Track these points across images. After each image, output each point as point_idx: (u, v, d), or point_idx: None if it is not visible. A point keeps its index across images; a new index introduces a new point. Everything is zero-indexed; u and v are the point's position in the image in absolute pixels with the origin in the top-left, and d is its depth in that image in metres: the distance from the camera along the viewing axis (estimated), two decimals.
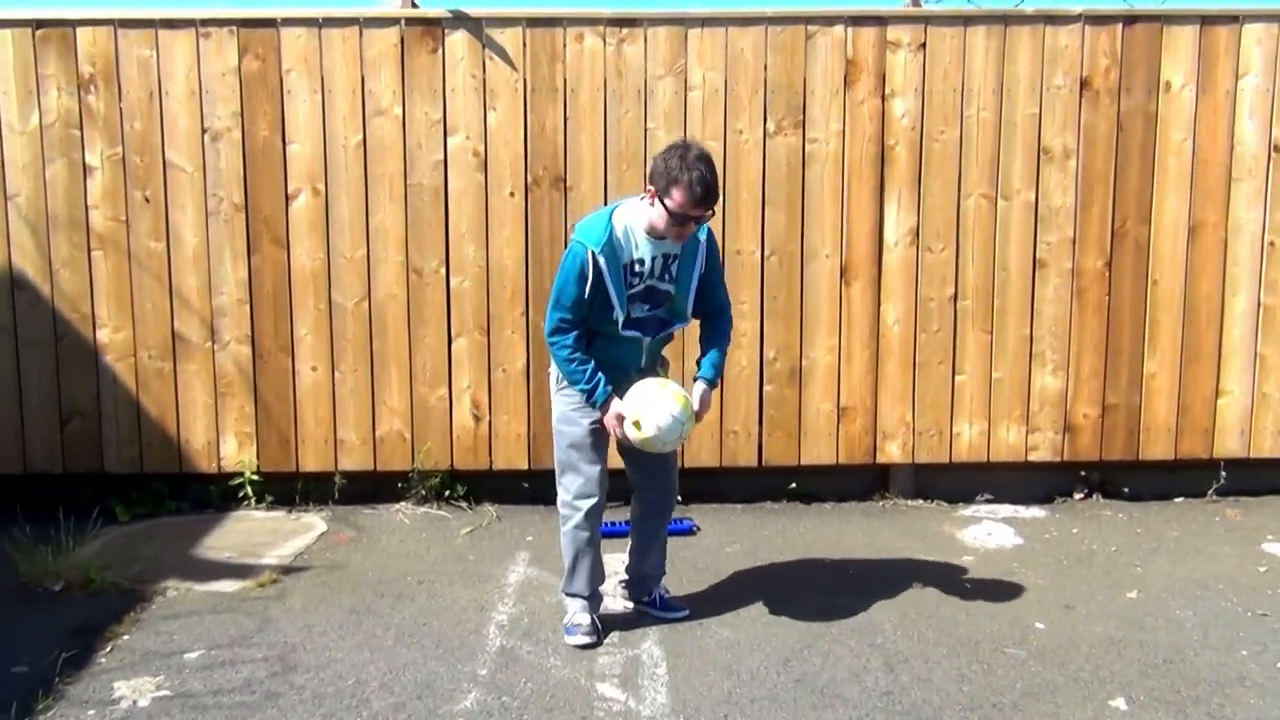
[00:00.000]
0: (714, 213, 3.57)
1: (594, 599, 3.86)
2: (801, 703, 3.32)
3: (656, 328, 3.73)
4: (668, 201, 3.46)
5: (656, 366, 3.82)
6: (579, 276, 3.53)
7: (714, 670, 3.54)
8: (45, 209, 5.01)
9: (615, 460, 3.85)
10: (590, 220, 3.66)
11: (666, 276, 3.64)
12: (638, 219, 3.59)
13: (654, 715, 3.26)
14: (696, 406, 3.65)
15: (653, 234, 3.57)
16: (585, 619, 3.78)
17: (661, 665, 3.58)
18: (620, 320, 3.62)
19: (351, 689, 3.43)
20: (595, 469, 3.73)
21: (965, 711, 3.27)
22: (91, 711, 3.31)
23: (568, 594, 3.84)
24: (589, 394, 3.60)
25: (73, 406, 5.15)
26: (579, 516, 3.74)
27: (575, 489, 3.74)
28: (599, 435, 3.71)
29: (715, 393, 4.93)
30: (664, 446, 3.61)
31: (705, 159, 3.48)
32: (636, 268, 3.60)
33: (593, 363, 3.60)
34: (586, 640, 3.72)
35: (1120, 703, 3.32)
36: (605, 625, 3.86)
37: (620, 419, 3.57)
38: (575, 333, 3.60)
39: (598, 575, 3.85)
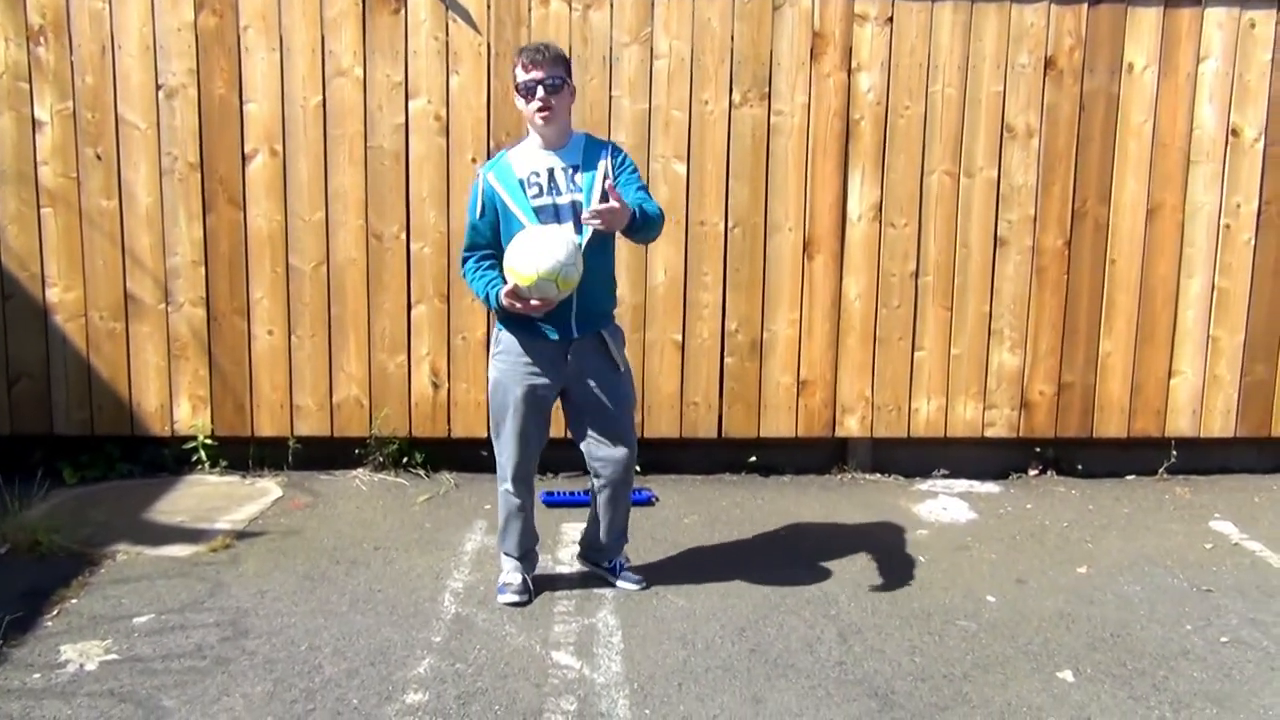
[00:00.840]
0: (564, 78, 3.60)
1: (526, 559, 3.90)
2: (755, 672, 3.34)
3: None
4: (516, 81, 3.59)
5: (601, 307, 3.75)
6: (474, 200, 3.68)
7: (669, 640, 3.55)
8: None
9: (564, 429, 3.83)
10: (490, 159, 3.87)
11: (572, 187, 3.64)
12: (529, 139, 3.72)
13: (608, 683, 3.27)
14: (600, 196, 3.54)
15: (545, 143, 3.65)
16: (516, 578, 3.84)
17: (617, 634, 3.58)
18: None
19: (304, 654, 3.41)
20: (525, 437, 3.73)
21: (916, 682, 3.31)
22: (37, 675, 3.25)
23: (502, 550, 3.92)
24: (487, 299, 3.64)
25: (21, 367, 5.04)
26: (508, 483, 3.80)
27: (504, 456, 3.78)
28: (533, 402, 3.70)
29: (676, 361, 4.94)
30: (560, 279, 3.41)
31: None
32: (533, 179, 3.63)
33: (493, 273, 3.63)
34: (516, 599, 3.78)
35: (1068, 675, 3.37)
36: (560, 593, 3.86)
37: (512, 293, 3.49)
38: (478, 254, 3.70)
39: (529, 538, 3.89)
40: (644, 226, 3.65)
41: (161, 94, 4.88)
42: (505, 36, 4.91)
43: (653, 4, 4.94)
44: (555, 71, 3.57)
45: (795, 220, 5.12)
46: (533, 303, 3.49)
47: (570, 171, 3.64)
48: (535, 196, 3.62)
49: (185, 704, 3.10)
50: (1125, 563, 4.30)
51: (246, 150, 4.94)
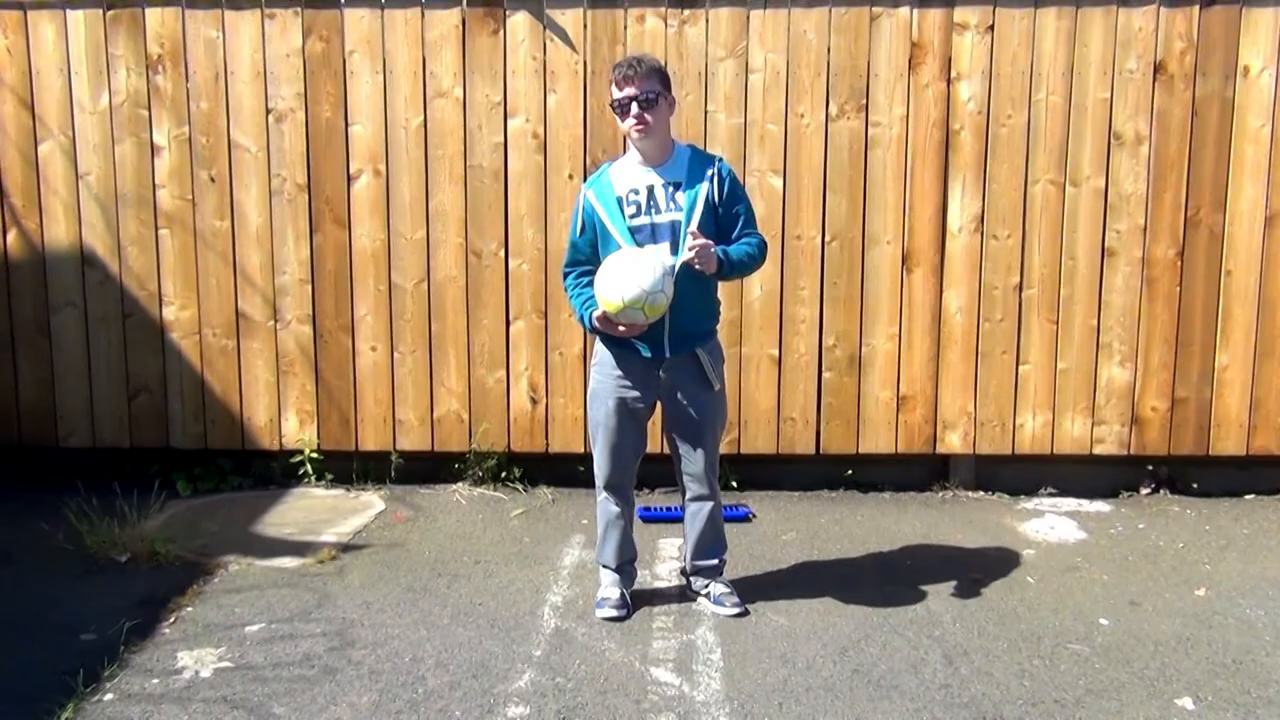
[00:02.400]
0: (659, 91, 3.55)
1: (623, 572, 3.90)
2: (858, 693, 3.28)
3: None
4: (611, 99, 3.59)
5: (700, 335, 3.71)
6: (575, 217, 3.71)
7: (769, 658, 3.51)
8: (115, 187, 5.10)
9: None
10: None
11: (672, 206, 3.60)
12: (627, 154, 3.71)
13: (708, 701, 3.24)
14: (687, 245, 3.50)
15: (646, 160, 3.63)
16: (614, 593, 3.84)
17: (716, 651, 3.56)
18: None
19: (408, 666, 3.46)
20: (618, 446, 3.74)
21: (1027, 707, 3.21)
22: (155, 680, 3.37)
23: (600, 563, 3.93)
24: (581, 318, 3.68)
25: (140, 382, 5.24)
26: (604, 493, 3.84)
27: (600, 465, 3.81)
28: (625, 413, 3.71)
29: (773, 377, 4.92)
30: (648, 307, 3.41)
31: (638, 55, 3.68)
32: (631, 196, 3.61)
33: (589, 291, 3.62)
34: (614, 614, 3.78)
35: (1187, 702, 3.24)
36: (658, 609, 3.86)
37: (603, 318, 3.53)
38: (577, 270, 3.73)
39: (626, 550, 3.89)
40: (736, 271, 3.65)
41: (271, 118, 5.04)
42: (601, 54, 4.95)
43: (748, 18, 4.93)
44: (649, 86, 3.54)
45: (894, 233, 5.05)
46: (620, 328, 3.53)
47: (671, 189, 3.61)
48: (633, 216, 3.60)
49: (295, 712, 3.17)
50: (1246, 586, 4.12)
51: (351, 171, 5.07)
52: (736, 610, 3.81)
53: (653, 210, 3.60)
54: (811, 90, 4.96)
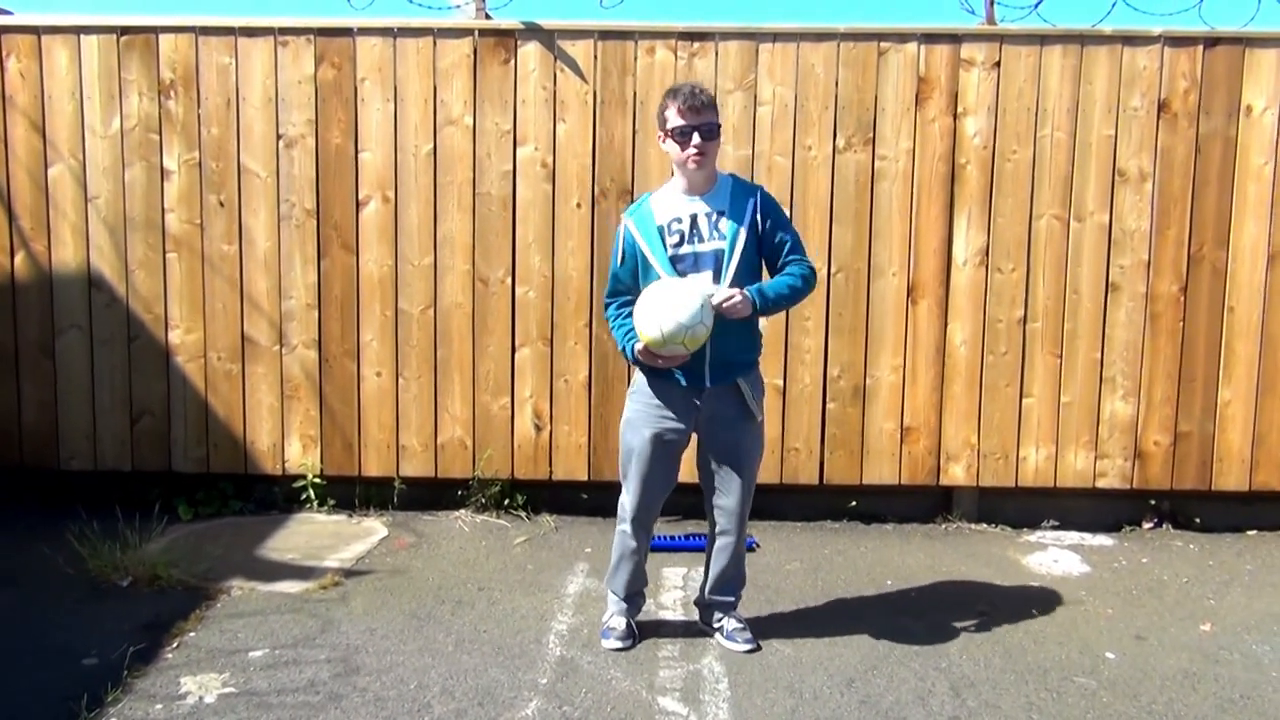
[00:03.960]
0: (719, 123, 3.56)
1: (631, 602, 3.88)
2: None
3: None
4: (668, 125, 3.54)
5: (742, 367, 3.68)
6: (616, 246, 3.70)
7: (776, 688, 3.50)
8: (123, 211, 5.12)
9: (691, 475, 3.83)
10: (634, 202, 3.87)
11: (715, 234, 3.57)
12: (673, 183, 3.68)
13: None
14: (716, 300, 3.47)
15: (690, 189, 3.60)
16: (620, 623, 3.82)
17: (723, 681, 3.54)
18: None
19: (413, 693, 3.44)
20: (650, 480, 3.70)
21: None
22: (159, 706, 3.34)
23: (609, 589, 3.91)
24: (623, 350, 3.67)
25: (143, 406, 5.24)
26: (627, 523, 3.80)
27: (628, 495, 3.77)
28: (660, 446, 3.67)
29: (777, 406, 4.93)
30: (687, 339, 3.41)
31: (690, 83, 3.64)
32: (674, 225, 3.58)
33: (630, 322, 3.61)
34: (618, 645, 3.76)
35: None
36: (665, 638, 3.84)
37: (645, 351, 3.54)
38: (619, 300, 3.72)
39: (637, 580, 3.87)
40: (777, 306, 3.63)
41: (282, 144, 5.07)
42: (611, 85, 5.00)
43: (757, 51, 4.98)
44: (713, 117, 3.53)
45: (899, 265, 5.08)
46: (659, 361, 3.54)
47: (715, 217, 3.58)
48: (675, 245, 3.57)
49: None
50: (1252, 621, 4.12)
51: (360, 197, 5.10)
52: (749, 647, 3.78)
53: (695, 239, 3.58)
54: (819, 123, 5.01)
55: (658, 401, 3.66)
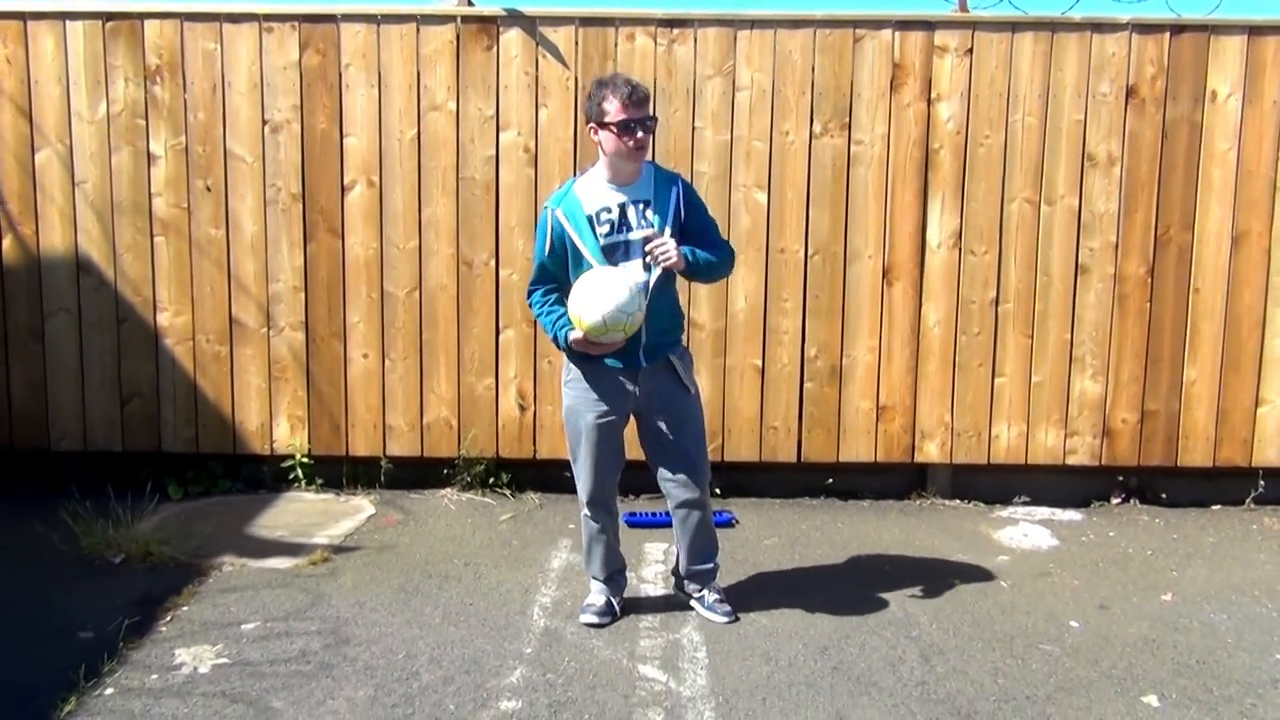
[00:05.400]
0: (656, 119, 3.64)
1: (612, 582, 3.96)
2: (838, 689, 3.40)
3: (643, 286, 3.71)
4: (607, 119, 3.55)
5: (669, 342, 3.78)
6: (541, 236, 3.70)
7: (752, 656, 3.63)
8: (111, 195, 5.18)
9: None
10: (555, 191, 3.84)
11: (643, 223, 3.65)
12: (597, 172, 3.71)
13: (694, 696, 3.36)
14: (651, 246, 3.59)
15: (616, 179, 3.64)
16: (599, 600, 3.91)
17: (701, 650, 3.67)
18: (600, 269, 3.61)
19: (402, 662, 3.56)
20: (598, 464, 3.79)
21: (999, 703, 3.34)
22: (154, 676, 3.45)
23: (589, 574, 4.00)
24: (555, 340, 3.71)
25: (133, 387, 5.32)
26: (586, 509, 3.89)
27: (583, 482, 3.85)
28: (604, 430, 3.75)
29: (756, 386, 5.04)
30: (624, 326, 3.52)
31: (621, 75, 3.67)
32: (603, 216, 3.63)
33: (560, 309, 3.67)
34: (595, 620, 3.85)
35: (1153, 699, 3.38)
36: (645, 610, 3.97)
37: (581, 340, 3.60)
38: (544, 289, 3.75)
39: (612, 561, 3.96)
40: (703, 271, 3.75)
41: (267, 129, 5.14)
42: (592, 71, 5.08)
43: (735, 37, 5.08)
44: (650, 110, 3.64)
45: (875, 248, 5.20)
46: (593, 349, 3.62)
47: (641, 207, 3.67)
48: (606, 235, 3.64)
49: (293, 705, 3.27)
50: (1211, 591, 4.27)
51: (346, 181, 5.17)
52: (728, 619, 3.89)
53: (625, 229, 3.66)
54: (796, 108, 5.11)
55: (592, 388, 3.73)
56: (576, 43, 5.10)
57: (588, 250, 3.63)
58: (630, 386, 3.74)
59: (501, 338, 5.27)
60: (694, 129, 5.13)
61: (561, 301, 3.70)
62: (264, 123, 5.14)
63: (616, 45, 5.09)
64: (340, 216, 5.20)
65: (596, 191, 3.68)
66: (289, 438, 5.34)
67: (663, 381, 3.77)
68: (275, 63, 5.11)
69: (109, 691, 3.34)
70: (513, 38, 5.09)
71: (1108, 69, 5.10)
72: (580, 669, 3.52)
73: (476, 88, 5.12)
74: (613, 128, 3.56)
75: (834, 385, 5.28)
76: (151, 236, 5.22)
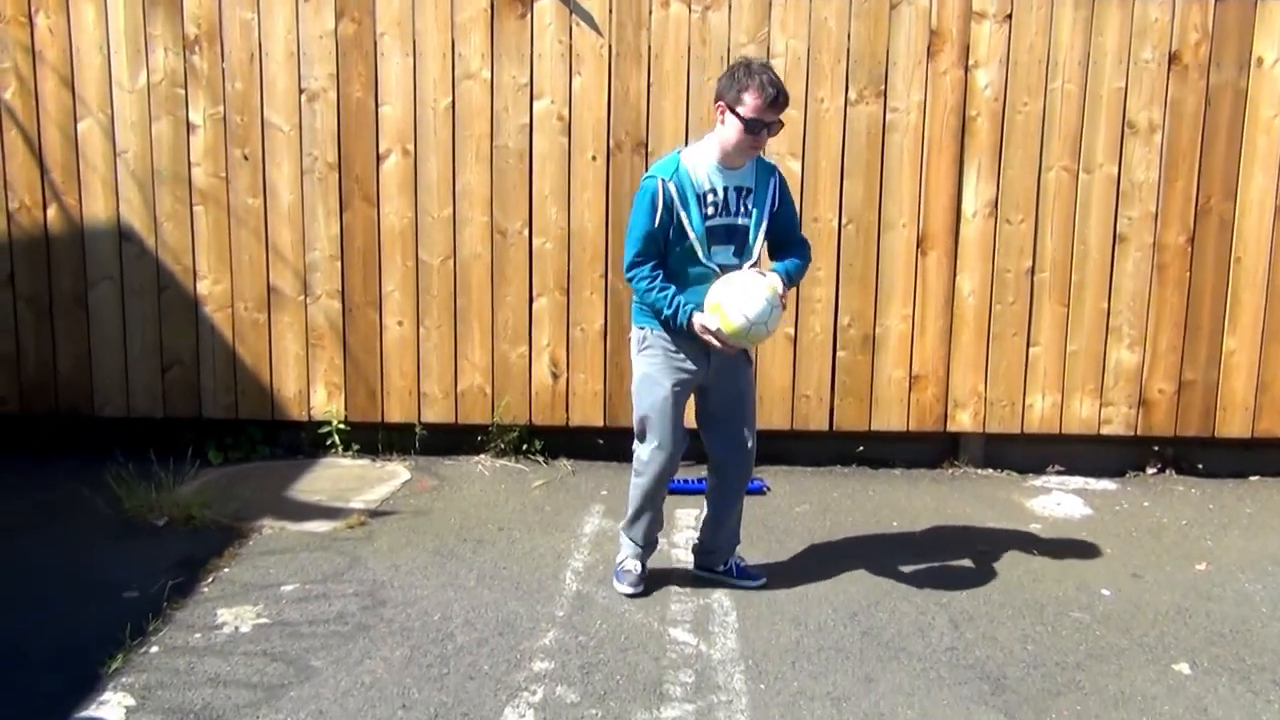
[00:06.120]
0: (783, 123, 3.59)
1: (648, 548, 3.97)
2: (868, 654, 3.43)
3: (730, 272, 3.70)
4: (740, 110, 3.47)
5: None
6: (650, 206, 3.56)
7: (782, 620, 3.66)
8: (151, 165, 5.25)
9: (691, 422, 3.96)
10: (661, 160, 3.74)
11: (743, 210, 3.65)
12: (707, 150, 3.63)
13: (724, 659, 3.40)
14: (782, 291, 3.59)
15: (725, 161, 3.59)
16: (635, 566, 3.90)
17: (731, 614, 3.71)
18: (702, 254, 3.60)
19: (437, 624, 3.63)
20: (673, 431, 3.75)
21: (1029, 669, 3.36)
22: (198, 635, 3.54)
23: (628, 535, 3.95)
24: (674, 316, 3.57)
25: (174, 355, 5.40)
26: (650, 476, 3.80)
27: (651, 449, 3.77)
28: (682, 396, 3.75)
29: (789, 354, 5.08)
30: (755, 336, 3.54)
31: (769, 67, 3.57)
32: (710, 198, 3.59)
33: (673, 287, 3.58)
34: (632, 590, 3.84)
35: (1184, 667, 3.38)
36: (676, 575, 4.01)
37: (708, 331, 3.54)
38: (652, 263, 3.61)
39: (656, 527, 3.94)
40: (795, 283, 3.81)
41: (304, 98, 5.18)
42: (626, 39, 5.07)
43: (770, 4, 5.05)
44: (780, 115, 3.56)
45: (909, 217, 5.17)
46: (716, 344, 3.56)
47: (744, 193, 3.65)
48: (711, 216, 3.60)
49: (332, 664, 3.34)
50: (1246, 561, 4.25)
51: (381, 150, 5.21)
52: (758, 583, 3.94)
53: (726, 213, 3.63)
54: (831, 76, 5.08)
55: (679, 352, 3.68)
56: (610, 10, 5.08)
57: (692, 228, 3.57)
58: (705, 359, 3.70)
59: (535, 306, 5.30)
60: None
61: (667, 281, 3.61)
62: (300, 91, 5.19)
63: (650, 13, 5.07)
64: (376, 185, 5.24)
65: (705, 170, 3.61)
66: (326, 404, 5.42)
67: (730, 355, 3.72)
68: (311, 31, 5.14)
69: (154, 650, 3.43)
70: (546, 5, 5.09)
71: (1150, 35, 5.02)
72: (612, 632, 3.57)
73: (510, 56, 5.13)
74: (742, 120, 3.50)
75: (866, 354, 5.27)
76: (191, 205, 5.28)
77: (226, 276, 5.34)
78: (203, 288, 5.35)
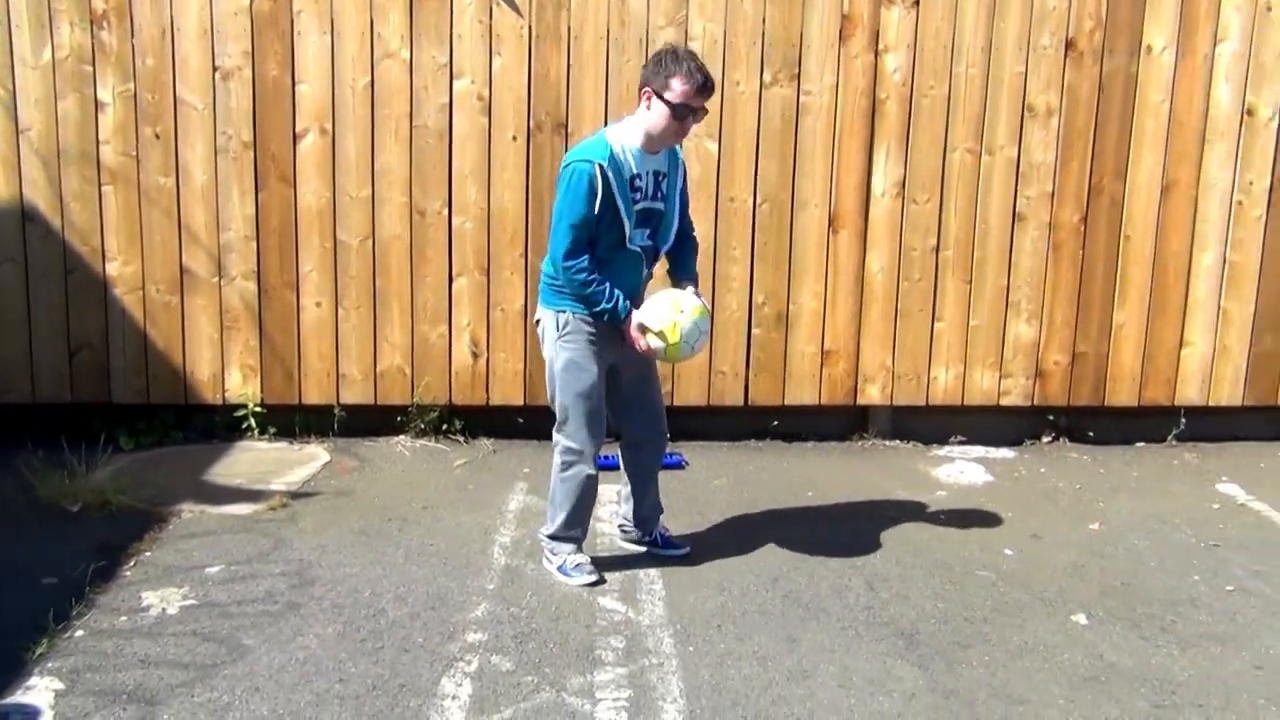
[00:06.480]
0: (707, 109, 3.66)
1: (583, 537, 3.95)
2: (789, 615, 3.59)
3: (651, 256, 3.81)
4: (668, 95, 3.50)
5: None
6: (589, 193, 3.51)
7: (706, 588, 3.80)
8: (57, 143, 5.11)
9: None
10: (586, 143, 3.68)
11: (658, 195, 3.71)
12: (631, 134, 3.62)
13: (653, 624, 3.52)
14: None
15: (646, 146, 3.62)
16: (585, 558, 3.87)
17: (658, 582, 3.83)
18: (628, 237, 3.62)
19: (368, 600, 3.66)
20: (602, 416, 3.78)
21: (940, 624, 3.55)
22: (124, 618, 3.52)
23: (563, 538, 3.86)
24: (611, 311, 3.59)
25: (81, 338, 5.29)
26: (585, 463, 3.76)
27: (583, 436, 3.74)
28: (601, 379, 3.75)
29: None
30: (689, 353, 3.68)
31: (695, 54, 3.61)
32: (636, 183, 3.61)
33: (608, 281, 3.60)
34: (593, 578, 3.80)
35: (1081, 618, 3.61)
36: (600, 547, 4.12)
37: (642, 330, 3.61)
38: (588, 254, 3.58)
39: (589, 514, 3.94)
40: None
41: (218, 75, 5.11)
42: (546, 20, 5.12)
43: None
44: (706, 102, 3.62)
45: (821, 197, 5.33)
46: (650, 348, 3.65)
47: (661, 178, 3.72)
48: (637, 201, 3.64)
49: (264, 642, 3.36)
50: (1135, 521, 4.53)
51: (298, 129, 5.17)
52: (683, 552, 4.06)
53: (647, 198, 3.67)
54: (747, 59, 5.20)
55: (600, 336, 3.70)
56: None
57: (624, 213, 3.58)
58: (618, 342, 3.74)
59: (454, 286, 5.32)
60: None
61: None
62: (215, 69, 5.10)
63: None
64: (292, 165, 5.19)
65: (631, 155, 3.62)
66: (241, 387, 5.36)
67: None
68: (225, 8, 5.06)
69: (79, 634, 3.40)
70: None
71: (1048, 21, 5.25)
72: (543, 603, 3.66)
73: (430, 36, 5.13)
74: (670, 106, 3.52)
75: (780, 331, 5.43)
76: (99, 185, 5.16)
77: (137, 258, 5.24)
78: (112, 269, 5.24)
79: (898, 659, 3.33)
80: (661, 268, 3.98)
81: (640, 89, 3.63)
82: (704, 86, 3.55)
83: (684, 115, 3.56)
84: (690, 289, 3.79)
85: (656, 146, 3.67)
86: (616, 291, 3.61)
